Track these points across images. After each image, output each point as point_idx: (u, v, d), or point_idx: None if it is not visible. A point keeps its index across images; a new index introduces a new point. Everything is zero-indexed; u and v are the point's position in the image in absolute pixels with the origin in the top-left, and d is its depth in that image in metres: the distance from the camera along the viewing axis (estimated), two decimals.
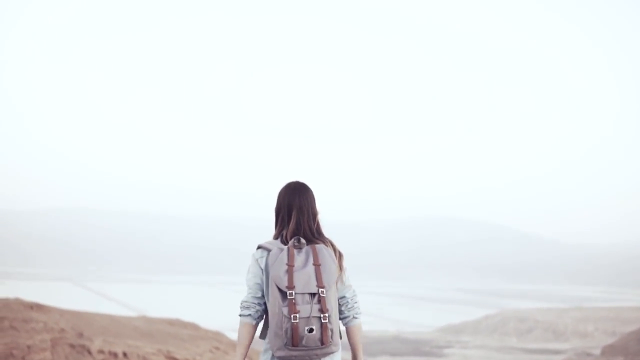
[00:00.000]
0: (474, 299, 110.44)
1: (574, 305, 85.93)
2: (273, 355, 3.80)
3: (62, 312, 17.85)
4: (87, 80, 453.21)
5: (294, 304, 3.66)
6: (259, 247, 3.99)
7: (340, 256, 4.00)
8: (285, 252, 3.83)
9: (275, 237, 4.05)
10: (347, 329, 4.00)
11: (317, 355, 3.72)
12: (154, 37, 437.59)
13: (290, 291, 3.69)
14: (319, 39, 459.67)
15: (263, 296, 3.92)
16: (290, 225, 4.00)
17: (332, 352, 3.76)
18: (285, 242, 3.97)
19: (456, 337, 62.46)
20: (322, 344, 3.69)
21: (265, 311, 3.96)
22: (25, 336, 14.81)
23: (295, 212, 4.02)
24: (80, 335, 16.50)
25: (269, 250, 3.92)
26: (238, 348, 3.98)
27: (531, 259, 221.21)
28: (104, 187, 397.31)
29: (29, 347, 14.78)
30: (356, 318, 3.97)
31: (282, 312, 3.67)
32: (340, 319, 3.94)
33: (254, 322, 3.92)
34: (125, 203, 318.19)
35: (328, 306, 3.72)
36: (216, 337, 21.80)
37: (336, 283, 3.89)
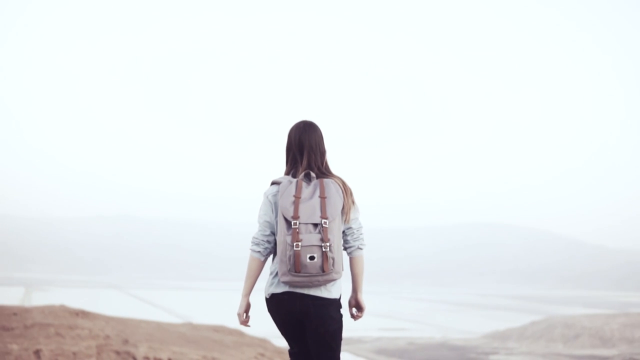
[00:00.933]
0: (520, 305, 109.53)
1: (621, 311, 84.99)
2: (279, 281, 4.06)
3: (108, 319, 17.89)
4: (102, 84, 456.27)
5: (297, 232, 3.92)
6: (272, 183, 4.22)
7: (350, 192, 4.20)
8: (294, 184, 4.07)
9: (287, 174, 4.26)
10: (350, 259, 4.21)
11: (318, 281, 3.96)
12: (151, 39, 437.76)
13: (295, 221, 3.94)
14: (321, 41, 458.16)
15: (272, 233, 4.15)
16: (302, 162, 4.20)
17: (334, 279, 3.98)
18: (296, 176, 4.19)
19: (502, 343, 61.97)
20: (323, 271, 3.92)
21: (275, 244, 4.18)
22: (71, 343, 14.82)
23: (306, 149, 4.21)
24: (126, 341, 16.49)
25: (279, 184, 4.16)
26: (246, 281, 4.24)
27: (578, 265, 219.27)
28: (150, 195, 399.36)
29: (74, 353, 14.79)
30: (360, 249, 4.16)
31: (287, 241, 3.92)
32: (345, 248, 4.18)
33: (262, 258, 4.17)
34: (171, 212, 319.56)
35: (329, 236, 3.94)
36: (261, 344, 21.77)
37: (345, 215, 4.12)
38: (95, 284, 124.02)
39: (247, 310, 4.22)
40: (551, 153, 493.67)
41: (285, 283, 3.99)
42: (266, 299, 4.14)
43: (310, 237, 3.91)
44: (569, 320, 65.45)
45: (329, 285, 4.07)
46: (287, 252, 3.90)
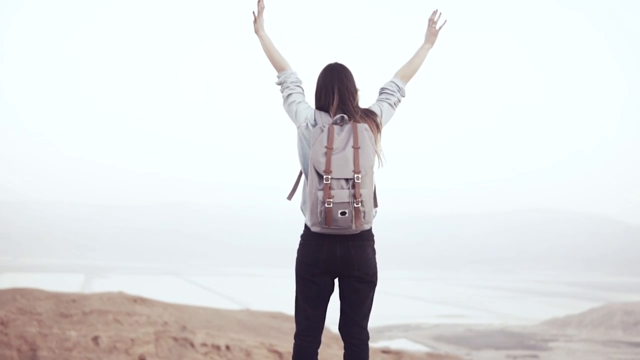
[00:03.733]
0: (580, 291, 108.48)
1: None
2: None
3: (166, 306, 17.93)
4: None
5: (329, 188, 3.78)
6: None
7: (380, 125, 4.08)
8: (325, 133, 3.90)
9: (317, 108, 4.11)
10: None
11: (348, 232, 3.86)
12: (150, 36, 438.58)
13: (327, 175, 3.80)
14: (324, 34, 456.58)
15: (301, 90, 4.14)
16: (334, 103, 4.05)
17: (365, 229, 3.90)
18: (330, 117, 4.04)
19: (561, 330, 61.41)
20: (356, 224, 3.81)
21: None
22: (129, 329, 14.88)
23: (337, 90, 4.07)
24: (184, 328, 16.52)
25: (314, 122, 4.02)
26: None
27: (638, 251, 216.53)
28: (206, 182, 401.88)
29: (132, 340, 14.84)
30: (376, 207, 4.07)
31: (318, 196, 3.80)
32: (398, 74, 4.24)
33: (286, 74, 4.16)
34: (230, 199, 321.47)
35: (362, 191, 3.82)
36: None
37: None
38: (154, 270, 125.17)
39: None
40: (613, 139, 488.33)
41: (315, 232, 3.90)
42: (305, 230, 4.02)
43: (342, 194, 3.80)
44: (629, 307, 64.68)
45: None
46: (318, 207, 3.80)
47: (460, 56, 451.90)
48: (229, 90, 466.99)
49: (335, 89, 4.05)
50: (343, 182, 3.80)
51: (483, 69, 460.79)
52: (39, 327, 13.58)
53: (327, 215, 3.78)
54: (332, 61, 4.19)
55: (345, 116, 3.96)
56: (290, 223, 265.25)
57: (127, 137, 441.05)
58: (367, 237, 4.00)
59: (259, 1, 4.15)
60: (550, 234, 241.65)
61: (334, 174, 3.79)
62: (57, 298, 15.61)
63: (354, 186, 3.80)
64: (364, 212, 3.83)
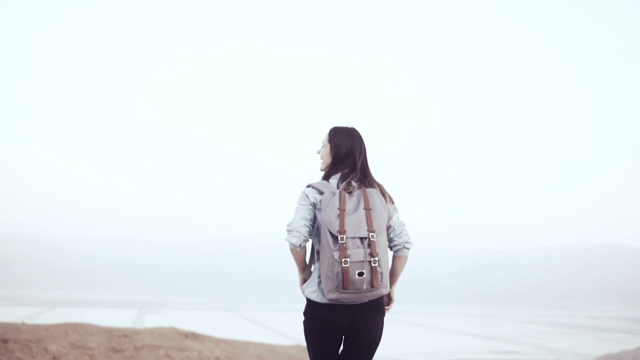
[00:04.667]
0: (634, 327, 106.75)
1: None
2: (323, 295, 3.91)
3: (217, 341, 17.95)
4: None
5: (345, 248, 3.74)
6: (309, 186, 4.07)
7: (389, 197, 4.08)
8: (337, 196, 3.89)
9: (325, 179, 4.13)
10: (394, 257, 4.11)
11: (366, 296, 3.83)
12: (148, 41, 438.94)
13: (342, 235, 3.76)
14: (328, 43, 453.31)
15: (310, 220, 4.00)
16: (345, 168, 4.07)
17: (382, 294, 3.86)
18: (337, 185, 4.05)
19: None
20: (372, 286, 3.78)
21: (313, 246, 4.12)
22: None
23: (351, 155, 4.08)
24: None
25: (320, 192, 4.00)
26: (299, 265, 4.15)
27: None
28: (258, 218, 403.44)
29: None
30: (407, 248, 4.04)
31: (334, 257, 3.75)
32: (390, 247, 4.06)
33: (299, 249, 4.03)
34: (281, 234, 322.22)
35: (378, 250, 3.79)
36: None
37: (386, 226, 3.97)
38: (206, 306, 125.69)
39: None
40: None
41: (332, 300, 3.84)
42: (311, 303, 4.01)
43: (358, 252, 3.75)
44: None
45: (375, 299, 3.99)
46: (335, 269, 3.75)
47: (492, 83, 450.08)
48: (282, 124, 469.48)
49: (351, 154, 4.08)
50: (358, 242, 3.77)
51: (529, 99, 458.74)
52: None
53: (344, 276, 3.73)
54: (342, 125, 4.17)
55: (354, 182, 3.98)
56: None
57: (180, 175, 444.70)
58: (377, 306, 3.99)
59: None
60: (604, 268, 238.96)
61: (349, 234, 3.76)
62: (109, 333, 15.70)
63: (369, 245, 3.76)
64: (381, 273, 3.79)
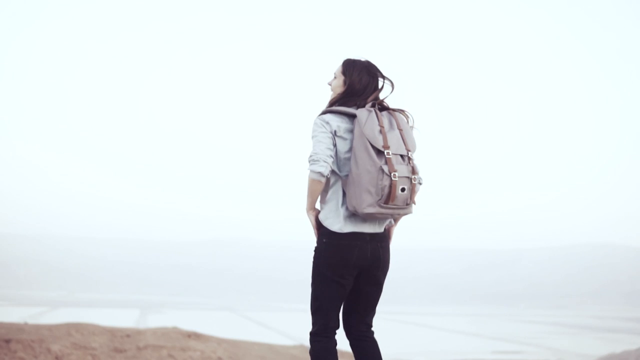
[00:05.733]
0: (637, 327, 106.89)
1: None
2: (349, 214, 3.86)
3: (220, 341, 17.95)
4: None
5: (392, 162, 3.74)
6: (327, 112, 4.01)
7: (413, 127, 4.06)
8: (374, 114, 3.85)
9: (338, 104, 4.06)
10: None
11: (399, 214, 3.85)
12: (148, 42, 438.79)
13: (387, 150, 3.76)
14: (327, 40, 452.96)
15: (333, 149, 3.94)
16: (372, 94, 4.00)
17: (410, 213, 3.89)
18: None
19: None
20: (407, 204, 3.81)
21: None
22: None
23: (366, 90, 4.00)
24: None
25: (347, 114, 3.94)
26: (310, 197, 4.00)
27: None
28: (260, 218, 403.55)
29: None
30: (420, 184, 3.98)
31: (383, 170, 3.72)
32: None
33: (324, 179, 3.90)
34: (283, 234, 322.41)
35: (417, 168, 3.85)
36: None
37: None
38: (208, 306, 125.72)
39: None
40: None
41: (367, 215, 3.77)
42: (332, 234, 3.92)
43: (402, 168, 3.76)
44: None
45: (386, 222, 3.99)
46: (381, 182, 3.71)
47: (493, 83, 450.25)
48: (284, 124, 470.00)
49: (377, 82, 4.01)
50: (400, 158, 3.77)
51: (540, 98, 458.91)
52: None
53: (391, 190, 3.72)
54: (356, 57, 4.13)
55: (384, 103, 3.98)
56: None
57: (182, 175, 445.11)
58: (387, 237, 3.99)
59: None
60: (607, 268, 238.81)
61: (392, 150, 3.76)
62: (112, 333, 15.71)
63: (409, 162, 3.79)
64: (417, 191, 3.84)
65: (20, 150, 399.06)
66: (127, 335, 15.63)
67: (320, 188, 3.94)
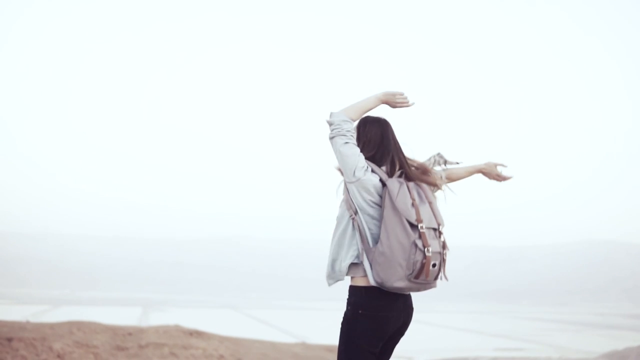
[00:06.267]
0: (639, 324, 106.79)
1: None
2: (378, 287, 3.69)
3: (222, 339, 17.93)
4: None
5: (426, 237, 3.62)
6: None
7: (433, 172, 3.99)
8: (405, 186, 3.72)
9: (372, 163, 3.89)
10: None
11: (425, 288, 3.75)
12: (149, 41, 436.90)
13: (421, 224, 3.62)
14: (328, 42, 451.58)
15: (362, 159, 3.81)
16: (391, 160, 3.87)
17: (435, 287, 3.82)
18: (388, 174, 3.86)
19: None
20: (435, 279, 3.74)
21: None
22: None
23: (393, 147, 3.90)
24: None
25: (380, 177, 3.79)
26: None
27: None
28: (261, 216, 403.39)
29: None
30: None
31: (416, 245, 3.59)
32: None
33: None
34: (285, 231, 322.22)
35: (447, 243, 3.75)
36: None
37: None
38: (210, 304, 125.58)
39: None
40: None
41: (395, 289, 3.67)
42: (368, 291, 3.75)
43: (435, 243, 3.65)
44: None
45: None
46: (413, 257, 3.60)
47: (492, 82, 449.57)
48: (283, 122, 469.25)
49: (391, 144, 3.90)
50: (432, 232, 3.67)
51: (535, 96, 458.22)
52: (95, 359, 13.65)
53: (425, 266, 3.62)
54: (376, 114, 3.99)
55: (409, 174, 3.86)
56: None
57: (184, 173, 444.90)
58: (413, 303, 3.94)
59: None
60: (609, 265, 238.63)
61: (425, 224, 3.64)
62: (114, 331, 15.69)
63: (439, 236, 3.69)
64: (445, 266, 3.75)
65: (22, 148, 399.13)
66: (129, 333, 15.62)
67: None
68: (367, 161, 3.84)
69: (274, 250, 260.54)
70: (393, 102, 3.93)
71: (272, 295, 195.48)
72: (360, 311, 3.75)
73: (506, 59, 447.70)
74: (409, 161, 3.93)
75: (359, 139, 3.91)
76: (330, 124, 3.84)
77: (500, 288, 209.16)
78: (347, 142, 3.79)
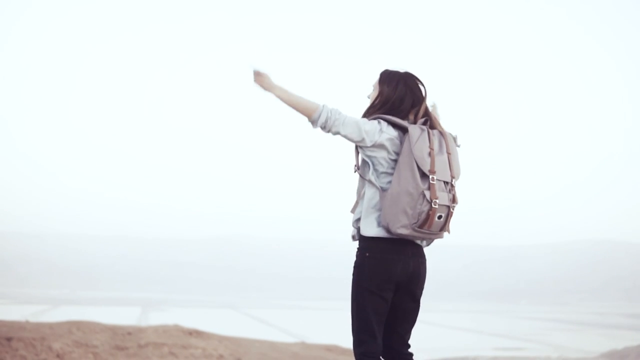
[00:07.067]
0: (638, 323, 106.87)
1: None
2: (386, 229, 3.69)
3: (221, 339, 17.93)
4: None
5: (435, 189, 3.63)
6: (379, 118, 3.81)
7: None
8: (426, 133, 3.72)
9: (386, 113, 3.86)
10: None
11: (431, 238, 3.75)
12: (150, 41, 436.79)
13: (432, 175, 3.64)
14: (327, 41, 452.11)
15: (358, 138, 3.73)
16: (420, 109, 3.86)
17: (441, 238, 3.81)
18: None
19: None
20: (441, 230, 3.71)
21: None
22: None
23: (411, 96, 3.87)
24: None
25: (398, 126, 3.78)
26: (292, 96, 3.77)
27: None
28: (261, 215, 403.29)
29: None
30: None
31: (424, 195, 3.60)
32: None
33: (316, 112, 3.72)
34: (285, 231, 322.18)
35: (457, 197, 3.76)
36: None
37: None
38: (210, 303, 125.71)
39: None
40: None
41: (399, 236, 3.67)
42: (376, 240, 3.74)
43: (443, 196, 3.66)
44: None
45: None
46: (419, 207, 3.61)
47: (492, 81, 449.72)
48: (283, 122, 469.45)
49: (421, 95, 3.89)
50: (443, 184, 3.68)
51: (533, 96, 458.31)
52: (95, 359, 13.66)
53: (429, 217, 3.63)
54: (399, 69, 3.95)
55: (436, 122, 3.86)
56: (344, 254, 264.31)
57: (184, 173, 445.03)
58: (425, 254, 3.90)
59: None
60: (608, 265, 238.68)
61: (438, 175, 3.66)
62: (113, 331, 15.69)
63: (450, 190, 3.71)
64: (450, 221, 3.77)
65: (22, 148, 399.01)
66: (129, 332, 15.62)
67: (302, 104, 3.77)
68: (387, 116, 3.81)
69: (274, 250, 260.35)
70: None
71: (271, 294, 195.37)
72: (367, 254, 3.77)
73: (506, 58, 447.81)
74: (434, 116, 3.93)
75: (382, 94, 3.89)
76: (322, 126, 3.77)
77: (499, 287, 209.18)
78: (344, 123, 3.73)
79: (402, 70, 3.94)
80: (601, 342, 72.22)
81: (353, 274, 3.86)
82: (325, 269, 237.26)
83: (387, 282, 3.76)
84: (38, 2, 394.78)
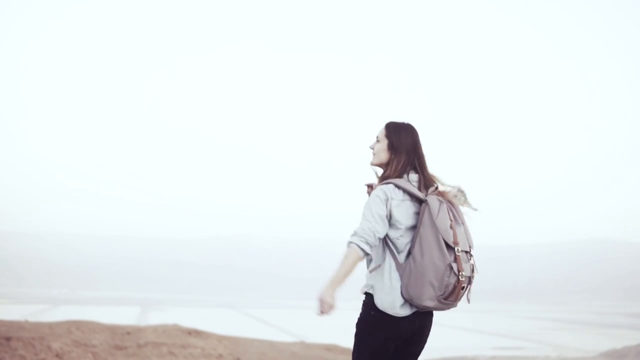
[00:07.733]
0: (637, 323, 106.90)
1: None
2: (405, 302, 3.66)
3: (220, 338, 17.90)
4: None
5: (461, 261, 3.62)
6: (391, 184, 3.75)
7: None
8: (445, 206, 3.71)
9: (396, 176, 3.80)
10: None
11: (449, 308, 3.73)
12: (151, 41, 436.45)
13: (457, 247, 3.62)
14: (330, 42, 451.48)
15: (380, 236, 3.68)
16: (425, 172, 3.83)
17: (455, 307, 3.75)
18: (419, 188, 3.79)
19: None
20: (456, 300, 3.68)
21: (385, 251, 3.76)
22: None
23: (422, 158, 3.85)
24: None
25: (413, 196, 3.73)
26: (341, 271, 3.70)
27: None
28: (260, 215, 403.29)
29: None
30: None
31: (451, 267, 3.59)
32: None
33: (363, 255, 3.67)
34: (284, 231, 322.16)
35: (476, 266, 3.76)
36: None
37: None
38: (209, 303, 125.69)
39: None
40: None
41: (423, 308, 3.66)
42: (381, 313, 3.70)
43: (467, 267, 3.66)
44: None
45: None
46: (447, 279, 3.60)
47: (491, 81, 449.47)
48: (283, 122, 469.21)
49: (422, 156, 3.86)
50: (465, 255, 3.67)
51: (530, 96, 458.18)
52: (94, 359, 13.64)
53: (455, 288, 3.63)
54: (401, 121, 3.89)
55: (444, 192, 3.83)
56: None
57: (183, 173, 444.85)
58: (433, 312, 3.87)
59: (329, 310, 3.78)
60: (608, 264, 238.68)
61: (460, 246, 3.64)
62: (112, 330, 15.67)
63: (469, 259, 3.70)
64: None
65: (22, 148, 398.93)
66: (128, 332, 15.61)
67: (355, 264, 3.70)
68: (395, 180, 3.76)
69: (274, 250, 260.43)
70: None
71: (271, 294, 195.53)
72: (372, 312, 3.74)
73: (506, 58, 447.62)
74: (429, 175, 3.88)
75: (391, 146, 3.83)
76: (371, 246, 3.74)
77: (499, 287, 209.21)
78: (374, 229, 3.70)
79: (405, 122, 3.91)
80: (600, 341, 72.22)
81: (356, 326, 3.84)
82: (325, 269, 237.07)
83: (391, 340, 3.76)
84: (38, 2, 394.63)
